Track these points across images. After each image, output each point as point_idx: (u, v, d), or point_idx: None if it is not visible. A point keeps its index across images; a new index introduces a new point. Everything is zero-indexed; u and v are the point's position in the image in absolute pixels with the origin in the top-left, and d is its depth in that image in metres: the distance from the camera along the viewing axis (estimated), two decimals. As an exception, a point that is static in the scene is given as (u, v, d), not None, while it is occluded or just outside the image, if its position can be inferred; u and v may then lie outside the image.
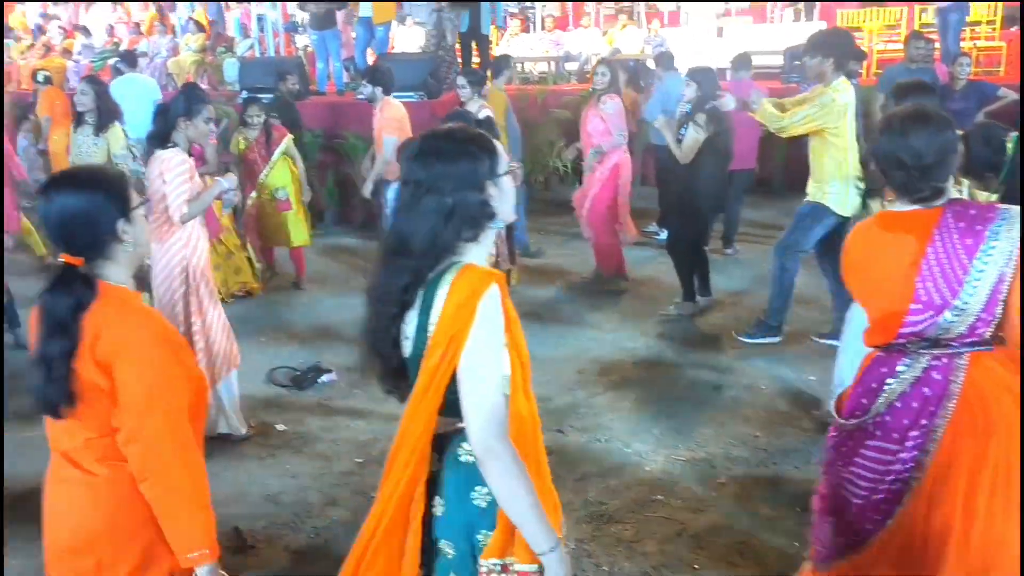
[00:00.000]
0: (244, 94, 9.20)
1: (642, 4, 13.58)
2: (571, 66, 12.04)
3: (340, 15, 10.46)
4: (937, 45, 8.73)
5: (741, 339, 5.07)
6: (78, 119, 5.55)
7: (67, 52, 14.77)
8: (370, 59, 10.20)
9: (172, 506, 1.76)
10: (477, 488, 1.64)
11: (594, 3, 13.84)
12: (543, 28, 13.17)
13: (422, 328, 1.61)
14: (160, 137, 3.94)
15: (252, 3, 12.81)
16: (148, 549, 1.79)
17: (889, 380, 2.11)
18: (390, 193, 6.53)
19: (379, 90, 6.16)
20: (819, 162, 4.59)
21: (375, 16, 9.71)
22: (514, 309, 1.61)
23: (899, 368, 2.11)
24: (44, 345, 1.70)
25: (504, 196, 1.67)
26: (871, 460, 2.15)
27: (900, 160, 2.08)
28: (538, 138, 8.92)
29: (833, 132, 4.46)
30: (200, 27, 13.92)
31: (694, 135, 5.21)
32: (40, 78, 10.34)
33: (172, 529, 1.76)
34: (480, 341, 1.55)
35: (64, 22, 16.73)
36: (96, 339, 1.70)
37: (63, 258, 1.73)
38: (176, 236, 3.82)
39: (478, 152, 1.64)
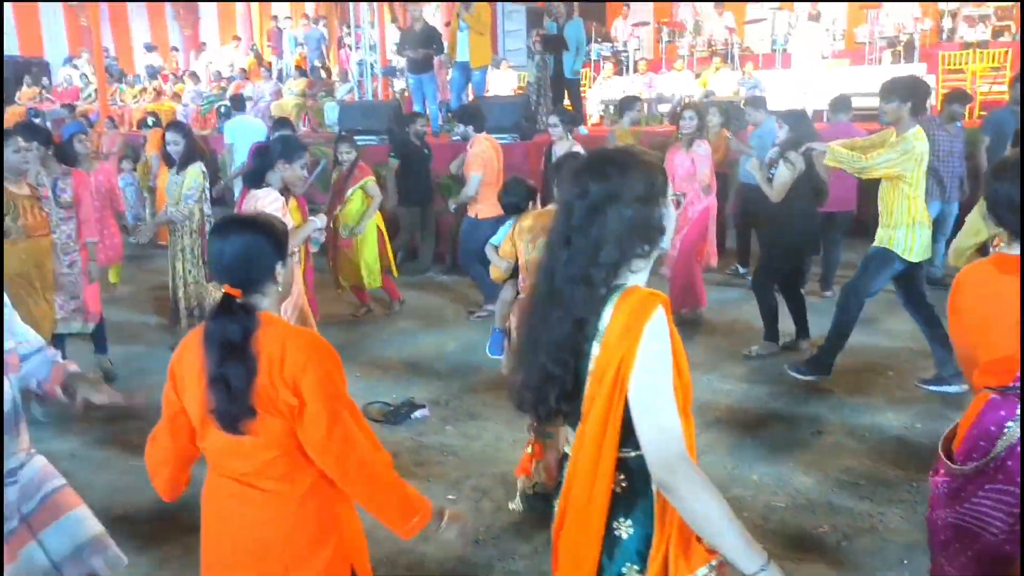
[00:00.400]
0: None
1: (736, 46, 13.52)
2: (664, 108, 12.04)
3: (437, 60, 10.75)
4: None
5: (791, 372, 5.00)
6: (168, 159, 5.85)
7: (177, 96, 15.63)
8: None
9: (379, 495, 1.93)
10: (619, 520, 1.64)
11: (687, 46, 13.85)
12: (635, 71, 13.24)
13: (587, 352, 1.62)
14: (256, 177, 4.12)
15: (353, 50, 13.31)
16: (329, 556, 1.94)
17: (1009, 423, 2.06)
18: (465, 225, 6.70)
19: (470, 128, 6.33)
20: (889, 207, 4.59)
21: (472, 60, 9.94)
22: (676, 331, 1.60)
23: (1019, 410, 2.06)
24: (222, 367, 1.84)
25: (670, 217, 1.69)
26: (999, 503, 2.07)
27: (1013, 203, 2.13)
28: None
29: (908, 179, 4.45)
30: (302, 72, 14.56)
31: (786, 174, 5.18)
32: (149, 121, 11.02)
33: (387, 513, 1.94)
34: (651, 363, 1.54)
35: (176, 67, 17.75)
36: (282, 360, 1.84)
37: (226, 289, 1.90)
38: None
39: (652, 166, 1.67)
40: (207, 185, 5.77)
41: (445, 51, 10.50)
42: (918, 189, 4.50)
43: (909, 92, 4.43)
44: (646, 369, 1.53)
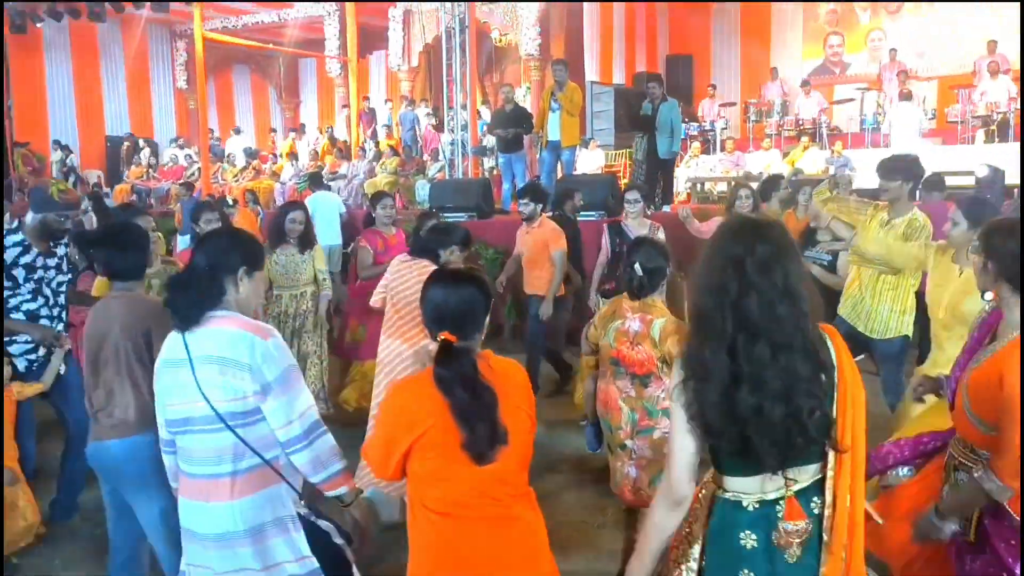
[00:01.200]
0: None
1: (824, 125, 13.47)
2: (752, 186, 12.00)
3: (526, 139, 11.02)
4: None
5: None
6: (280, 238, 5.61)
7: (275, 175, 16.38)
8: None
9: None
10: None
11: (775, 125, 13.86)
12: (722, 150, 13.28)
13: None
14: (424, 248, 4.36)
15: (443, 132, 13.77)
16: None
17: None
18: (544, 308, 6.27)
19: (539, 207, 6.34)
20: (904, 294, 4.39)
21: (563, 140, 10.15)
22: None
23: None
24: (469, 402, 2.04)
25: None
26: None
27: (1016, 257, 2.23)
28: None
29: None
30: (394, 151, 15.10)
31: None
32: (229, 200, 11.64)
33: None
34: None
35: (272, 146, 18.65)
36: (516, 387, 2.21)
37: (445, 336, 2.12)
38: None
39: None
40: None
41: (534, 130, 10.75)
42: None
43: (910, 172, 4.36)
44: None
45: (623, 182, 11.37)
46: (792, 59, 16.37)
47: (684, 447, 1.88)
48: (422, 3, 17.30)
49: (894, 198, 4.37)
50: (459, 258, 4.30)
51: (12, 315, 4.05)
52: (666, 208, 10.18)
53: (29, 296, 4.13)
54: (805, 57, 16.51)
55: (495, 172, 12.30)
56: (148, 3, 14.96)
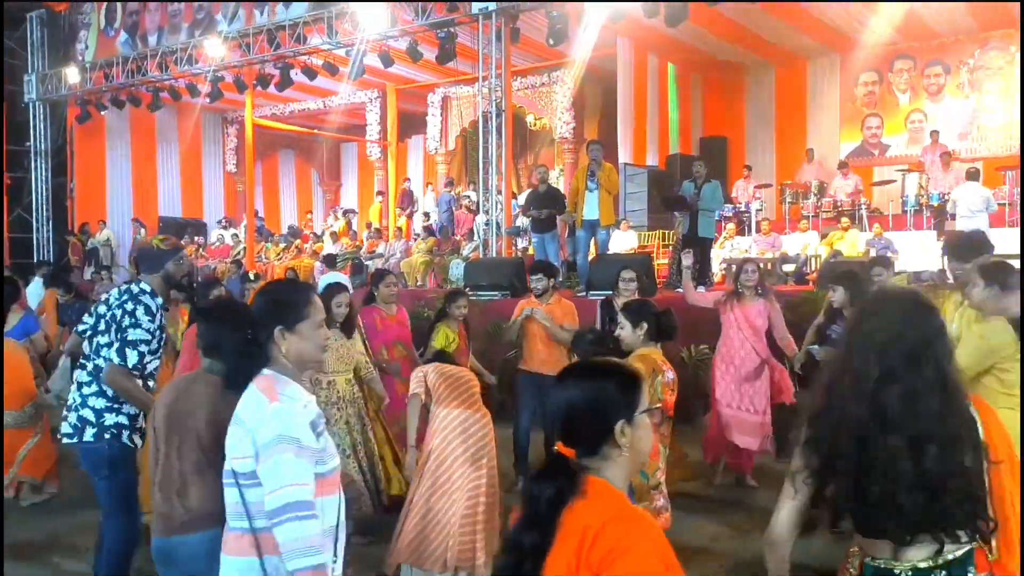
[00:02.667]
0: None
1: (863, 207, 13.31)
2: (788, 267, 11.85)
3: (559, 219, 11.09)
4: None
5: None
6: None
7: (315, 254, 16.70)
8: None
9: None
10: None
11: (811, 206, 13.75)
12: (758, 231, 13.18)
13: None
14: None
15: (478, 213, 13.94)
16: None
17: None
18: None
19: (551, 282, 6.43)
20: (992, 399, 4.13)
21: (602, 219, 10.24)
22: None
23: None
24: (518, 534, 1.66)
25: None
26: None
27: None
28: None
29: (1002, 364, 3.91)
30: (430, 231, 15.31)
31: None
32: (251, 275, 11.85)
33: None
34: None
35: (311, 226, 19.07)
36: (593, 543, 1.55)
37: (558, 447, 1.70)
38: None
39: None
40: None
41: (567, 211, 10.82)
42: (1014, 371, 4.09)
43: (982, 251, 4.06)
44: None
45: (657, 263, 11.33)
46: (829, 141, 16.32)
47: (788, 513, 1.95)
48: (460, 88, 17.81)
49: (967, 280, 3.91)
50: None
51: (150, 382, 3.86)
52: (701, 289, 10.07)
53: (159, 360, 3.95)
54: (843, 139, 16.45)
55: (528, 252, 12.34)
56: (204, 92, 15.61)
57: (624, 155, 14.49)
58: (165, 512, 2.72)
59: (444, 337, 5.66)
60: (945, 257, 4.27)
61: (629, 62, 14.70)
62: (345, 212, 19.04)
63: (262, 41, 14.42)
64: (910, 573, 1.82)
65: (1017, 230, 11.41)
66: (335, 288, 5.52)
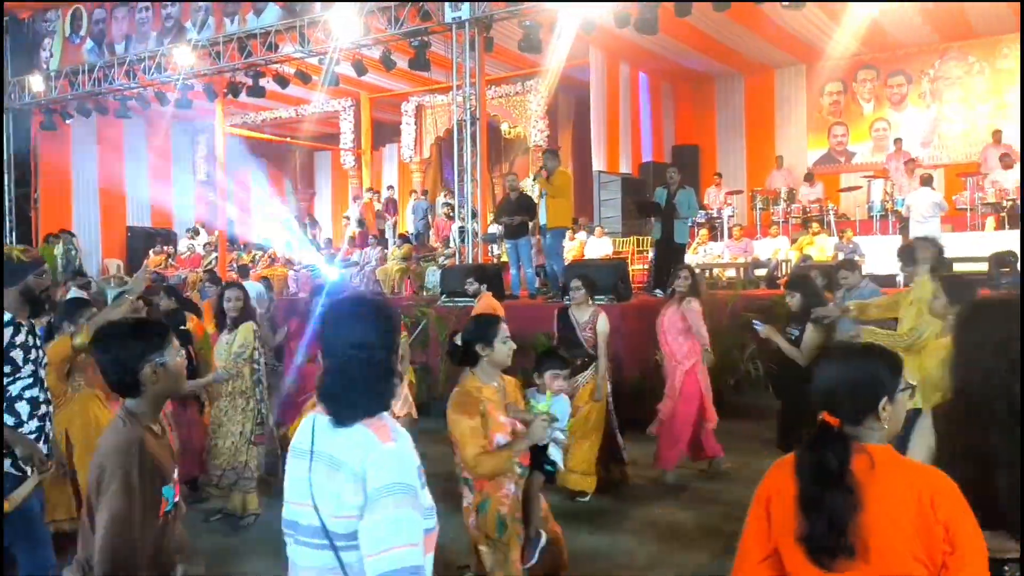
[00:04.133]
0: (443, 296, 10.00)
1: (831, 213, 13.59)
2: (760, 272, 12.05)
3: (532, 225, 11.20)
4: None
5: None
6: (219, 319, 5.91)
7: (290, 263, 16.63)
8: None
9: None
10: None
11: (782, 212, 14.00)
12: (730, 236, 13.40)
13: None
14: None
15: (454, 221, 14.00)
16: None
17: None
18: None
19: (483, 287, 6.57)
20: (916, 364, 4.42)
21: (547, 222, 10.42)
22: None
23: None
24: (821, 494, 1.81)
25: None
26: None
27: None
28: (728, 342, 8.83)
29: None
30: (405, 239, 15.34)
31: (816, 336, 5.15)
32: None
33: None
34: None
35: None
36: (934, 504, 1.76)
37: (825, 416, 1.89)
38: None
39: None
40: (258, 345, 5.70)
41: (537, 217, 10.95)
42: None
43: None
44: None
45: (633, 269, 11.48)
46: (797, 148, 16.67)
47: None
48: (434, 97, 17.89)
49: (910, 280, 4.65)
50: None
51: (16, 404, 3.57)
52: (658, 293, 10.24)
53: (30, 380, 3.62)
54: (811, 147, 16.80)
55: (503, 258, 12.42)
56: (173, 101, 15.51)
57: (598, 163, 14.67)
58: None
59: None
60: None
61: (601, 71, 14.90)
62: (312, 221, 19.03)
63: (233, 49, 14.35)
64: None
65: (976, 234, 11.75)
66: (231, 284, 6.19)
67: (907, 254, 4.78)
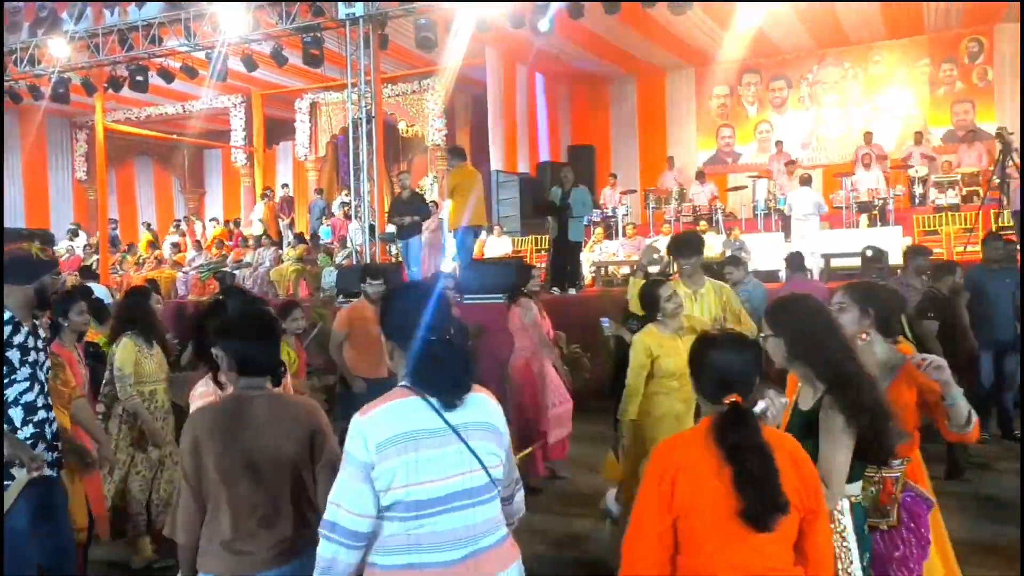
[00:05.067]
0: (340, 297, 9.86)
1: (719, 211, 14.10)
2: (653, 269, 12.36)
3: (426, 224, 11.14)
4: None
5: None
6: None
7: (177, 265, 16.02)
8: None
9: None
10: None
11: (673, 211, 14.43)
12: (624, 235, 13.72)
13: None
14: None
15: (351, 220, 13.81)
16: None
17: None
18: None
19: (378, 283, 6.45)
20: None
21: (449, 223, 10.37)
22: None
23: None
24: (757, 468, 2.01)
25: None
26: None
27: None
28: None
29: None
30: (300, 239, 15.03)
31: None
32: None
33: None
34: None
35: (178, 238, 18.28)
36: (798, 464, 2.11)
37: (736, 398, 2.12)
38: None
39: None
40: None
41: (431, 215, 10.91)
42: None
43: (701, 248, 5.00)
44: None
45: (535, 268, 11.57)
46: (688, 149, 17.26)
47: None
48: (329, 94, 17.60)
49: (692, 273, 4.86)
50: None
51: (11, 410, 3.37)
52: (572, 291, 10.39)
53: (27, 384, 3.42)
54: (700, 148, 17.42)
55: (398, 258, 12.32)
56: (48, 94, 14.68)
57: (496, 162, 14.75)
58: (240, 549, 2.43)
59: (286, 356, 5.11)
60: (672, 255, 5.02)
61: (498, 71, 14.99)
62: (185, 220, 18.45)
63: (113, 42, 13.69)
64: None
65: (852, 231, 12.42)
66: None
67: (680, 246, 4.98)
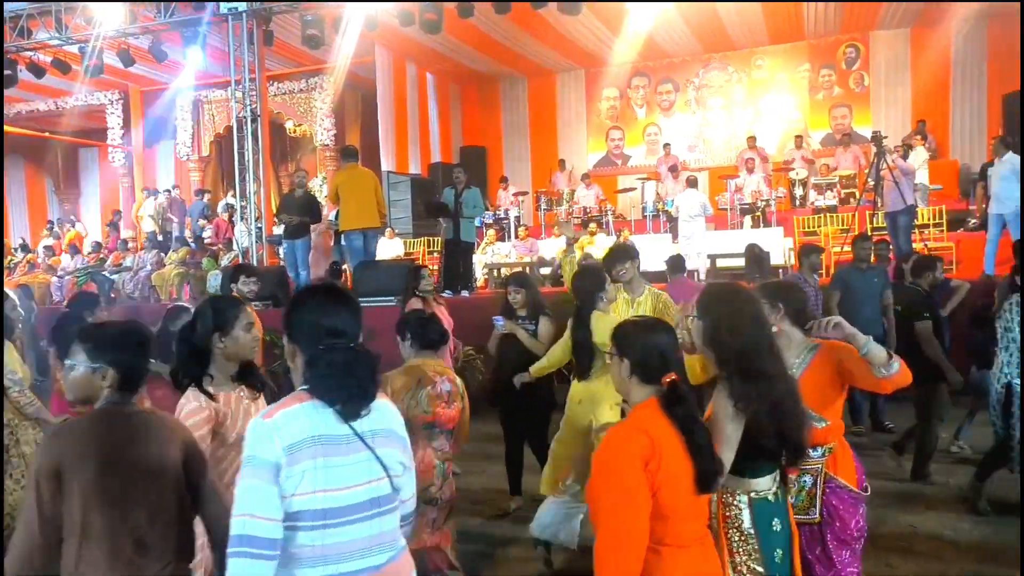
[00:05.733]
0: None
1: (609, 213, 14.33)
2: (545, 271, 12.47)
3: (316, 226, 10.87)
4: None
5: None
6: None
7: (52, 269, 15.14)
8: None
9: None
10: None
11: (564, 213, 14.58)
12: (516, 236, 13.76)
13: None
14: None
15: (239, 220, 13.37)
16: None
17: None
18: None
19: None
20: None
21: (340, 224, 10.11)
22: None
23: None
24: (704, 437, 2.22)
25: None
26: None
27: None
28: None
29: None
30: (183, 241, 14.44)
31: (548, 327, 5.34)
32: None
33: None
34: None
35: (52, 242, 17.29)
36: None
37: (674, 376, 2.30)
38: None
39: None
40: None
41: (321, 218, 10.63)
42: None
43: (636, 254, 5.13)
44: None
45: (427, 269, 11.45)
46: (578, 151, 17.49)
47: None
48: (212, 91, 16.99)
49: (630, 279, 4.93)
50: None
51: None
52: (465, 293, 10.34)
53: None
54: (591, 150, 17.69)
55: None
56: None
57: (387, 163, 14.57)
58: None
59: None
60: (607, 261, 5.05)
61: (388, 70, 14.80)
62: (59, 222, 17.50)
63: (-24, 33, 12.85)
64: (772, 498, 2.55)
65: (736, 231, 12.84)
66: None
67: (617, 254, 5.11)
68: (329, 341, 2.03)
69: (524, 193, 15.76)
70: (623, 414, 2.90)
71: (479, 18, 11.82)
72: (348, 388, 2.01)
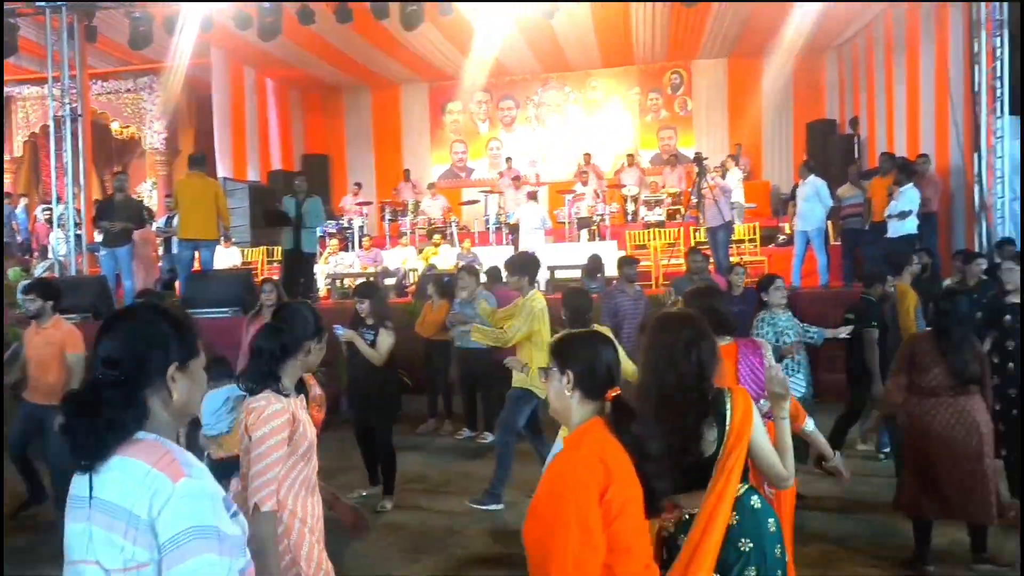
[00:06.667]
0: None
1: (454, 224, 14.50)
2: (389, 281, 12.43)
3: (137, 233, 10.25)
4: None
5: (471, 504, 5.57)
6: None
7: None
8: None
9: None
10: (769, 520, 2.43)
11: (409, 223, 14.61)
12: (360, 246, 13.64)
13: (721, 435, 2.38)
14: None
15: (54, 225, 12.46)
16: None
17: None
18: None
19: (49, 305, 5.64)
20: (528, 356, 5.43)
21: (180, 232, 9.68)
22: None
23: None
24: (655, 452, 2.09)
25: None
26: None
27: None
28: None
29: (537, 332, 5.40)
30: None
31: (389, 339, 5.60)
32: None
33: None
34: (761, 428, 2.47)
35: None
36: None
37: (617, 391, 2.17)
38: None
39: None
40: None
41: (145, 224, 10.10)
42: (545, 337, 5.31)
43: (526, 267, 5.61)
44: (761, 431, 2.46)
45: (260, 279, 11.14)
46: (423, 162, 17.59)
47: None
48: (26, 88, 15.77)
49: (517, 288, 5.45)
50: None
51: None
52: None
53: None
54: (435, 162, 17.85)
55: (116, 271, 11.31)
56: None
57: (223, 169, 14.06)
58: None
59: None
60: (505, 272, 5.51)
61: (224, 74, 14.32)
62: None
63: None
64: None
65: (573, 244, 13.34)
66: None
67: (515, 265, 5.56)
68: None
69: (368, 203, 15.65)
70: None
71: (321, 26, 11.66)
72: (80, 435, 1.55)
